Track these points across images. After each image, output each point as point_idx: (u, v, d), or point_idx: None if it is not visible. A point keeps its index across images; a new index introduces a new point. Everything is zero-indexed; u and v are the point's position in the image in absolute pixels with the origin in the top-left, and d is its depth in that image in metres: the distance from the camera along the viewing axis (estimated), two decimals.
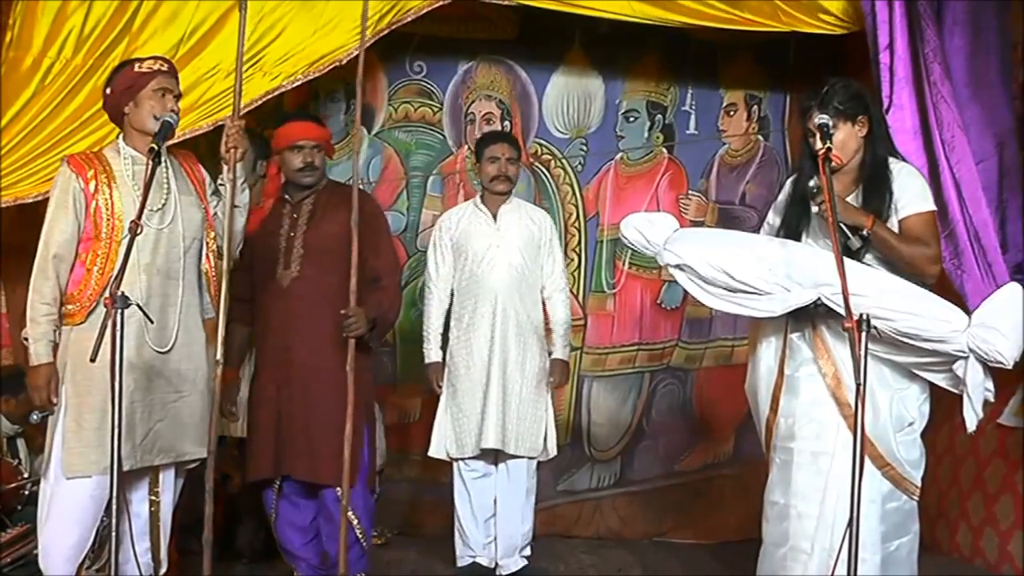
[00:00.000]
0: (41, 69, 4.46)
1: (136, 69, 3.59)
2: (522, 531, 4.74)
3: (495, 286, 4.66)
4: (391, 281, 4.28)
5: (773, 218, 3.70)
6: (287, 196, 4.26)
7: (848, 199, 3.42)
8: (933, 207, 3.46)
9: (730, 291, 3.39)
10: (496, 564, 4.75)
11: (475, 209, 4.80)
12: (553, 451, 4.81)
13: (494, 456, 4.72)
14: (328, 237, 4.13)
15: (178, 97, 3.65)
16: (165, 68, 3.63)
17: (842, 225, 3.24)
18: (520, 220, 4.76)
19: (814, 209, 3.36)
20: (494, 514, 4.74)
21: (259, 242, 4.17)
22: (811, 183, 3.34)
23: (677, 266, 3.47)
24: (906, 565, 3.47)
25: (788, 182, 3.70)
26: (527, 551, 4.78)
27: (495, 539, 4.75)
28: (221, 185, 3.72)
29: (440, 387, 4.72)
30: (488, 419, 4.58)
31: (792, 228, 3.55)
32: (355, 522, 4.10)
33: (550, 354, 4.79)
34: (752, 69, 6.02)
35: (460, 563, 4.74)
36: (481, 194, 4.86)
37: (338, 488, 3.96)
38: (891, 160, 3.49)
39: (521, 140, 5.90)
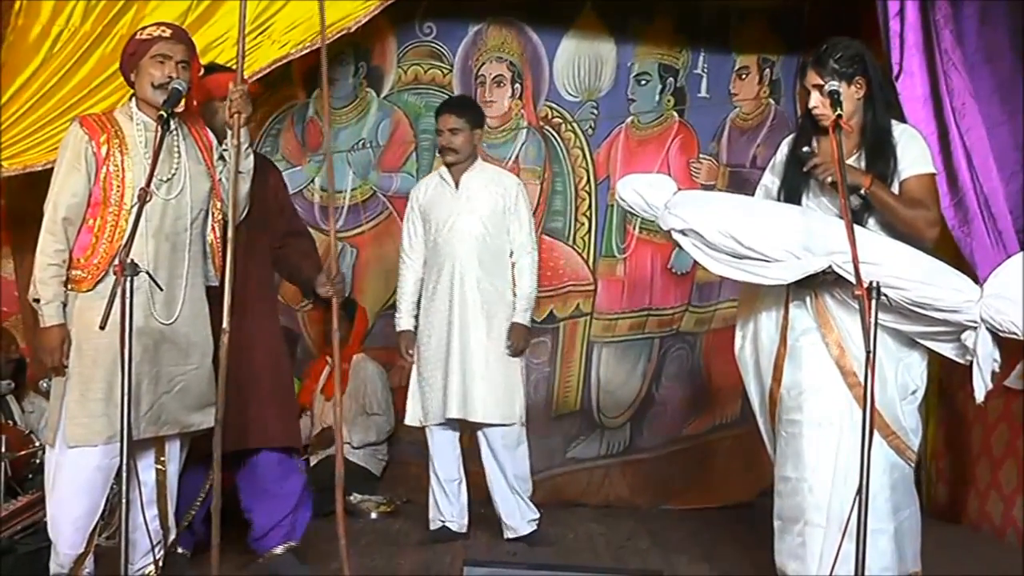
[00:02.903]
0: (50, 37, 4.47)
1: (137, 37, 3.57)
2: (518, 496, 4.72)
3: (455, 254, 4.65)
4: (313, 244, 4.27)
5: (770, 178, 3.60)
6: None
7: (849, 162, 3.33)
8: (933, 170, 3.40)
9: (737, 257, 3.32)
10: (503, 526, 4.74)
11: (439, 178, 4.81)
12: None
13: (459, 425, 4.73)
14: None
15: (185, 63, 3.53)
16: (167, 34, 3.54)
17: (838, 184, 3.15)
18: (484, 187, 4.72)
19: (818, 173, 3.28)
20: (460, 480, 4.78)
21: None
22: (804, 149, 3.30)
23: (681, 231, 3.39)
24: (914, 534, 3.46)
25: (785, 142, 3.61)
26: (534, 515, 4.76)
27: (467, 504, 4.78)
28: (225, 151, 3.69)
29: (410, 356, 4.76)
30: (451, 389, 4.60)
31: (792, 189, 3.46)
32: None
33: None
34: (765, 33, 5.96)
35: (431, 526, 4.78)
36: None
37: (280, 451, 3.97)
38: (893, 123, 3.42)
39: (531, 103, 5.90)
